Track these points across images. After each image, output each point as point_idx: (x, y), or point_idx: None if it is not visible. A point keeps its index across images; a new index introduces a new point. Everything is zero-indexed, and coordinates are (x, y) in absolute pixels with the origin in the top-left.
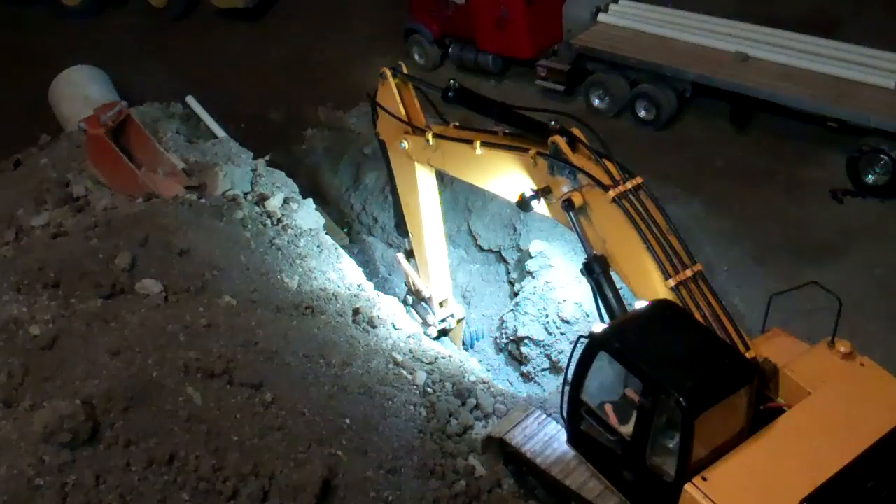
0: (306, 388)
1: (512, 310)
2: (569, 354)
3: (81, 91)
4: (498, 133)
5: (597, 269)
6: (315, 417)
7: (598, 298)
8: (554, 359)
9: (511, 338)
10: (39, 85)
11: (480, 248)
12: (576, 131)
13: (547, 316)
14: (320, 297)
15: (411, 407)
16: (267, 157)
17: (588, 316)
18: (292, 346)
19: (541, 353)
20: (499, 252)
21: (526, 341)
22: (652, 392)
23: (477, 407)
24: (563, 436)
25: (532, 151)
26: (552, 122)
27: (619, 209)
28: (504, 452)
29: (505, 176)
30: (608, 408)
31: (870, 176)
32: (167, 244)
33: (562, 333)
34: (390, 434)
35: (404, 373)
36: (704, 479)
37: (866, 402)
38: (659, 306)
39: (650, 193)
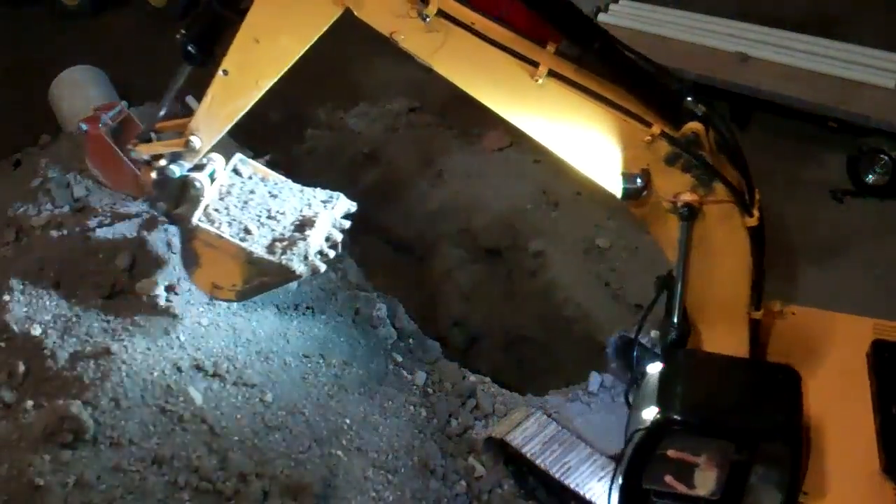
0: (306, 388)
1: (512, 310)
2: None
3: (81, 91)
4: (548, 47)
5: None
6: (315, 417)
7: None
8: (554, 359)
9: (511, 338)
10: (39, 85)
11: (480, 248)
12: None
13: (547, 316)
14: (320, 297)
15: (411, 407)
16: (267, 157)
17: (588, 317)
18: (292, 346)
19: (541, 353)
20: (499, 252)
21: (526, 341)
22: (749, 444)
23: (477, 407)
24: (563, 436)
25: (656, 129)
26: (688, 98)
27: (748, 238)
28: (504, 453)
29: (577, 131)
30: (669, 479)
31: (870, 176)
32: (167, 244)
33: (563, 333)
34: (390, 434)
35: (404, 373)
36: (805, 493)
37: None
38: (678, 360)
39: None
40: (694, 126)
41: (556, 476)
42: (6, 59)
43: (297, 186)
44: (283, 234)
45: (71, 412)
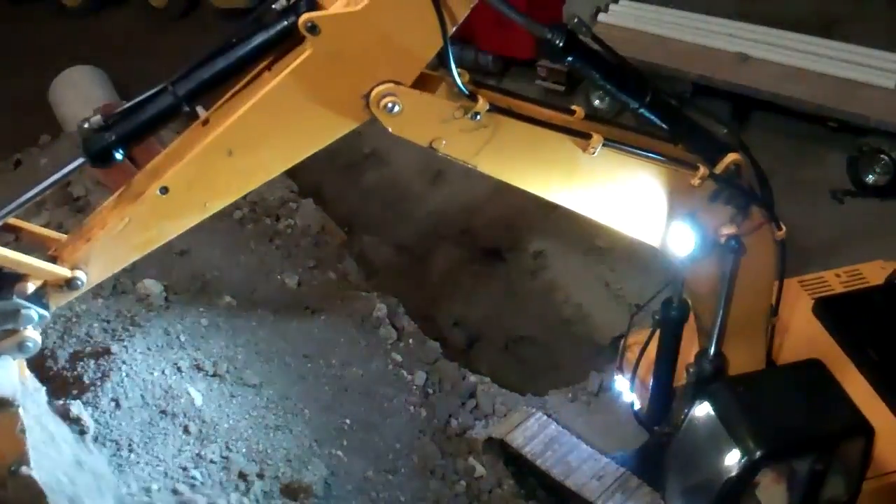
0: (306, 388)
1: (512, 310)
2: None
3: (81, 91)
4: (577, 114)
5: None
6: (315, 417)
7: (667, 344)
8: (554, 359)
9: (511, 338)
10: (39, 84)
11: (480, 248)
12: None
13: (547, 316)
14: (320, 297)
15: (411, 407)
16: None
17: (588, 317)
18: (292, 346)
19: (541, 353)
20: (499, 252)
21: (526, 341)
22: (827, 451)
23: (477, 407)
24: (563, 436)
25: (704, 171)
26: (724, 130)
27: (776, 252)
28: (505, 454)
29: (627, 193)
30: None
31: (870, 176)
32: (167, 244)
33: (563, 334)
34: (390, 434)
35: (404, 373)
36: None
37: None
38: (726, 396)
39: None
40: (734, 158)
41: (557, 476)
42: (6, 59)
43: (49, 409)
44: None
45: (71, 412)
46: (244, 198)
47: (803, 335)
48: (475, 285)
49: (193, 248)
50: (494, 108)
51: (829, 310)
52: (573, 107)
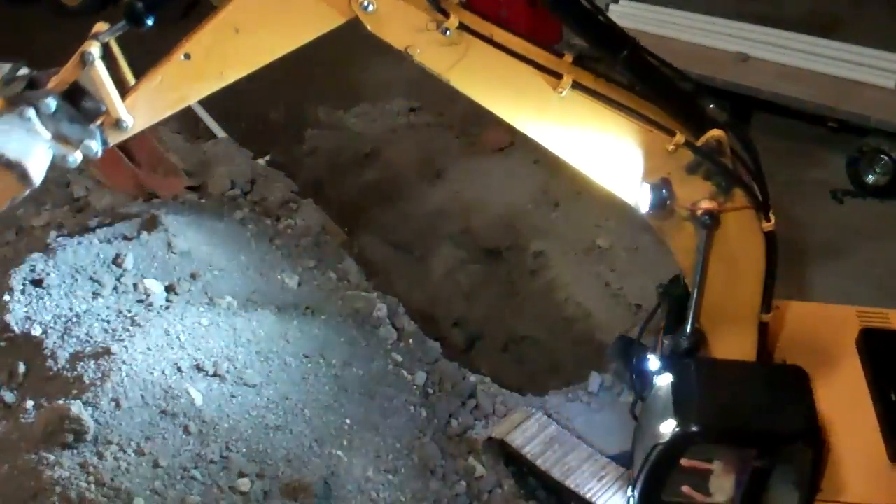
0: (306, 388)
1: (512, 310)
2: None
3: None
4: (565, 58)
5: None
6: (315, 417)
7: (669, 320)
8: (554, 359)
9: (511, 338)
10: None
11: (480, 248)
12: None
13: (547, 316)
14: (320, 297)
15: (411, 407)
16: (267, 157)
17: (588, 317)
18: (292, 346)
19: (541, 353)
20: (499, 252)
21: (526, 341)
22: (770, 449)
23: (477, 407)
24: (564, 436)
25: (680, 137)
26: (711, 105)
27: (764, 242)
28: (505, 454)
29: (598, 143)
30: (687, 489)
31: (870, 176)
32: (167, 244)
33: (563, 333)
34: (390, 434)
35: (404, 373)
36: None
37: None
38: (689, 370)
39: None
40: (716, 133)
41: (557, 477)
42: (6, 59)
43: None
44: None
45: (71, 412)
46: (244, 197)
47: (838, 360)
48: (475, 285)
49: (193, 248)
50: (464, 28)
51: (872, 342)
52: (564, 52)
